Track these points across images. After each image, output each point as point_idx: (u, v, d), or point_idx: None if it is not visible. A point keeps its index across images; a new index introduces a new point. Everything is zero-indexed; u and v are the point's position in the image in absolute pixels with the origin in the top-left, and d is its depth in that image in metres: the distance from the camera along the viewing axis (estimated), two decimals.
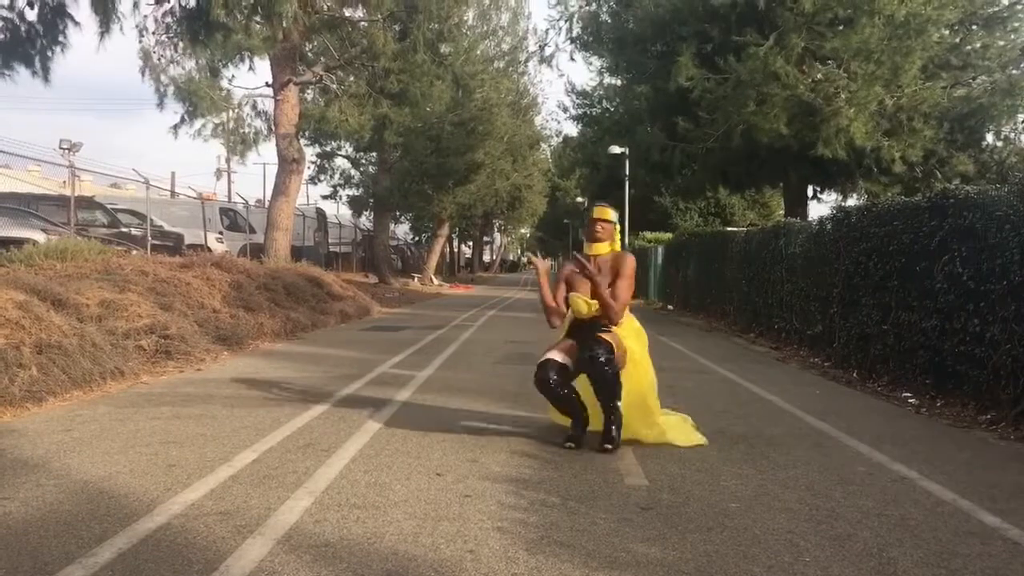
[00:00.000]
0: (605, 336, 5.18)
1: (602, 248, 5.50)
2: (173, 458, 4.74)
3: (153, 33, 16.63)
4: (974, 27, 17.76)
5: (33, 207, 16.88)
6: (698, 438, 5.48)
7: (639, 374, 5.39)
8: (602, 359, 5.04)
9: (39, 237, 13.46)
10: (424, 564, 3.18)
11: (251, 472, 4.47)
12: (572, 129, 41.64)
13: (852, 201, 19.89)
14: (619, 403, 5.17)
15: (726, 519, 3.82)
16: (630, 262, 5.44)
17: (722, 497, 4.16)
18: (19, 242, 12.39)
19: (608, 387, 5.11)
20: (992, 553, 3.44)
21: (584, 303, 5.28)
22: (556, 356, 5.23)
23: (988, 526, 3.80)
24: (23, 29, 11.97)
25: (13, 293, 7.38)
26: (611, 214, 5.56)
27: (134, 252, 14.67)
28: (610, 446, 5.07)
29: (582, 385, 5.32)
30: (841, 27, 15.94)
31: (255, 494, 4.05)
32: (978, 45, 17.43)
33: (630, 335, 5.42)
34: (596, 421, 5.31)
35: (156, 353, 8.63)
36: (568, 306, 5.48)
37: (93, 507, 3.80)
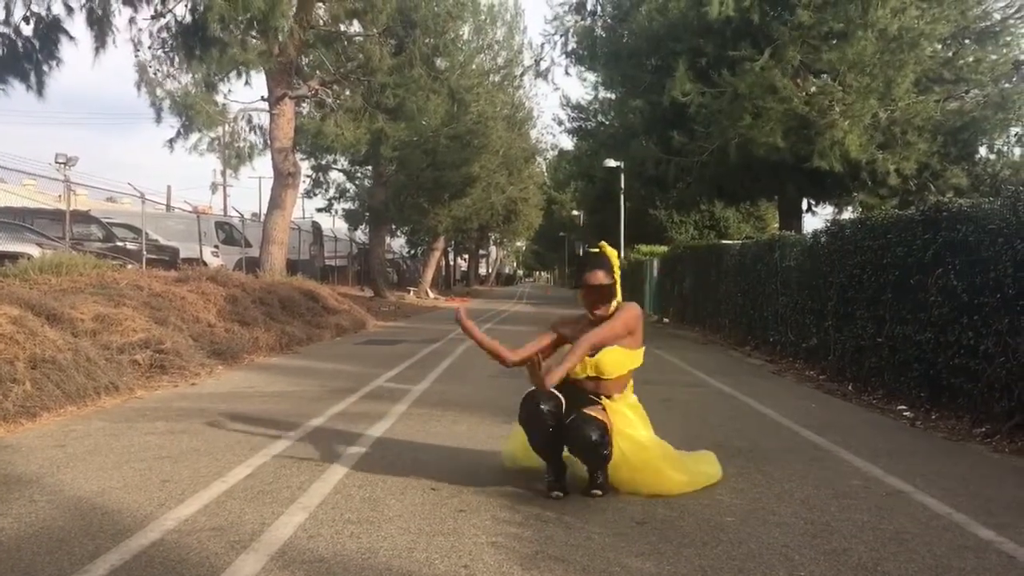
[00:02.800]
0: (594, 412, 4.36)
1: (610, 309, 4.57)
2: (167, 473, 4.73)
3: (149, 47, 16.71)
4: (967, 41, 17.87)
5: (28, 221, 16.89)
6: (714, 473, 4.81)
7: (649, 458, 4.53)
8: (594, 438, 4.24)
9: (34, 251, 13.44)
10: None
11: (245, 487, 4.46)
12: (567, 142, 41.77)
13: (847, 214, 19.97)
14: (607, 469, 4.44)
15: (721, 533, 3.82)
16: (625, 314, 4.57)
17: (717, 511, 4.16)
18: (14, 256, 12.38)
19: (600, 461, 4.38)
20: (987, 567, 3.44)
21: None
22: (554, 391, 4.41)
23: (983, 540, 3.80)
24: (19, 44, 12.01)
25: (7, 308, 7.37)
26: (603, 277, 4.51)
27: (129, 266, 14.67)
28: (599, 491, 4.38)
29: None
30: (836, 41, 16.04)
31: (249, 509, 4.03)
32: (971, 59, 17.52)
33: (632, 415, 4.59)
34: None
35: (151, 368, 8.61)
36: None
37: (86, 523, 3.79)
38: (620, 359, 4.51)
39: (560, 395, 4.40)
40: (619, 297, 4.61)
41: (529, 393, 4.41)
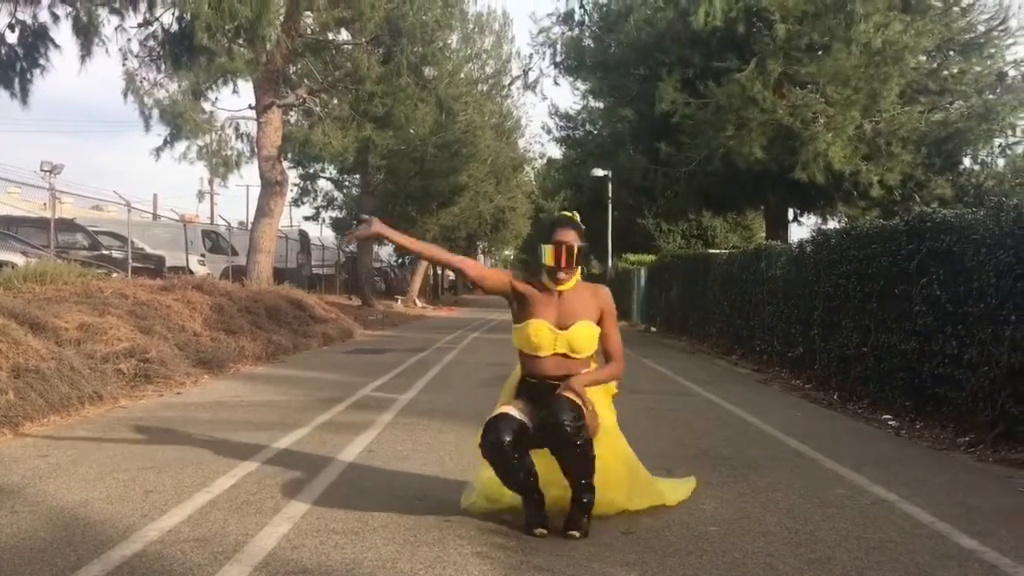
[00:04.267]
0: (569, 396, 3.87)
1: (570, 283, 4.10)
2: (150, 484, 4.70)
3: (136, 56, 16.67)
4: (951, 53, 18.04)
5: (12, 229, 16.79)
6: (685, 490, 4.62)
7: (616, 445, 4.21)
8: (568, 426, 3.74)
9: (18, 260, 13.36)
10: None
11: (229, 497, 4.43)
12: (556, 151, 41.87)
13: (832, 224, 20.06)
14: (593, 481, 3.94)
15: (705, 543, 3.82)
16: (609, 297, 4.23)
17: (702, 520, 4.17)
18: None
19: (579, 460, 3.87)
20: (969, 575, 3.46)
21: (549, 332, 4.01)
22: (512, 411, 3.96)
23: (965, 549, 3.82)
24: (2, 52, 11.96)
25: None
26: (573, 235, 4.07)
27: (115, 275, 14.60)
28: (576, 532, 3.85)
29: (540, 462, 3.99)
30: (819, 52, 16.16)
31: (233, 520, 4.01)
32: (955, 71, 17.70)
33: (603, 401, 4.15)
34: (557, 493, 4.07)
35: (135, 377, 8.56)
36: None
37: (68, 534, 3.76)
38: (591, 334, 4.05)
39: (521, 418, 3.93)
40: (579, 276, 4.17)
41: (487, 425, 3.89)
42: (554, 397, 3.87)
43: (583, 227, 4.18)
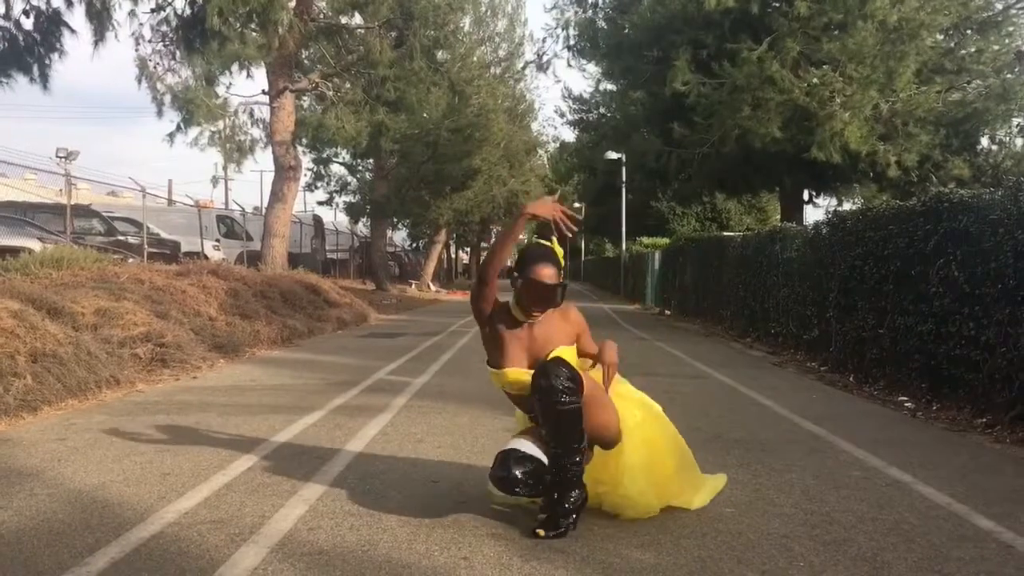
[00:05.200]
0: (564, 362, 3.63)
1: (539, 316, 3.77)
2: (167, 466, 4.74)
3: (149, 41, 16.75)
4: (968, 32, 17.83)
5: (29, 216, 16.89)
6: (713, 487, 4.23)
7: (664, 432, 4.02)
8: (560, 386, 3.50)
9: (35, 246, 13.45)
10: (418, 571, 3.17)
11: (245, 480, 4.46)
12: (569, 135, 41.71)
13: (848, 206, 19.94)
14: (578, 461, 3.67)
15: (720, 524, 3.82)
16: (579, 317, 3.93)
17: (717, 502, 4.15)
18: (15, 251, 12.38)
19: (563, 428, 3.58)
20: (985, 556, 3.44)
21: (525, 376, 3.69)
22: (526, 445, 3.65)
23: (982, 530, 3.80)
24: (20, 38, 12.00)
25: (8, 302, 7.38)
26: (553, 272, 3.73)
27: (130, 260, 14.67)
28: (543, 531, 3.57)
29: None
30: (836, 31, 16.00)
31: (249, 502, 4.04)
32: (972, 49, 17.50)
33: (628, 404, 3.95)
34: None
35: (152, 361, 8.62)
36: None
37: (86, 516, 3.79)
38: (573, 357, 3.78)
39: (535, 455, 3.63)
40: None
41: (499, 458, 3.63)
42: (552, 359, 3.62)
43: (561, 258, 3.83)
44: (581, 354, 3.88)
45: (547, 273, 3.70)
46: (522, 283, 3.71)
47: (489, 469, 3.68)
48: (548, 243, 3.86)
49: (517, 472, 3.53)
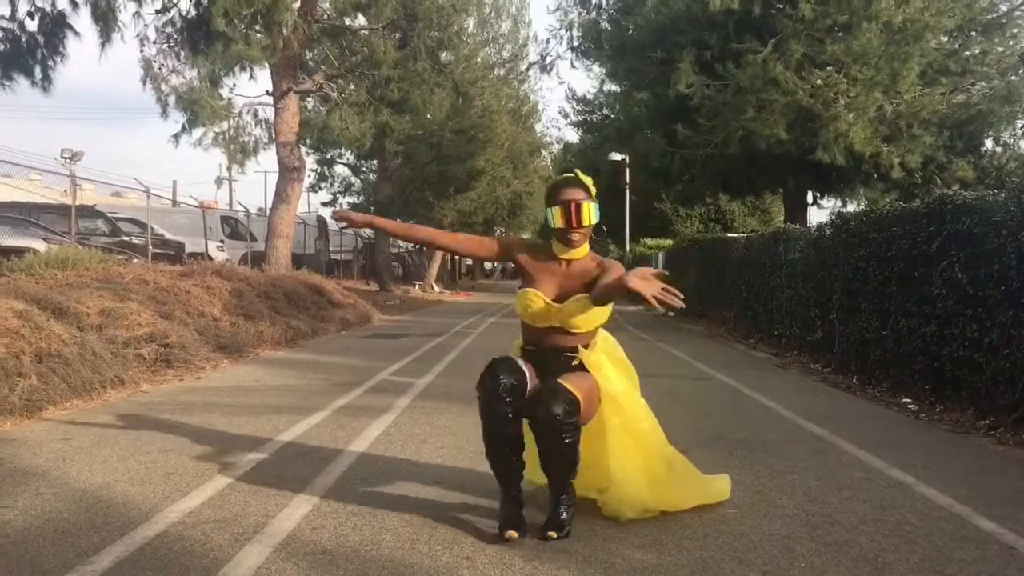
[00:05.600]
0: (571, 382, 3.56)
1: (579, 252, 3.84)
2: (172, 466, 4.75)
3: (154, 42, 16.80)
4: (973, 33, 17.83)
5: (34, 216, 16.92)
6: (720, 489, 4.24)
7: (636, 421, 3.87)
8: (559, 414, 3.44)
9: (40, 246, 13.49)
10: (421, 571, 3.19)
11: (249, 480, 4.48)
12: (573, 136, 41.75)
13: (851, 207, 19.93)
14: (573, 481, 3.71)
15: (722, 525, 3.83)
16: (618, 266, 3.77)
17: (719, 503, 4.16)
18: (20, 251, 12.42)
19: (563, 457, 3.58)
20: (987, 558, 3.45)
21: (544, 304, 3.74)
22: (518, 362, 3.73)
23: (984, 531, 3.81)
24: (23, 39, 12.03)
25: (13, 302, 7.41)
26: (582, 194, 3.78)
27: (135, 261, 14.71)
28: (554, 533, 3.57)
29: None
30: (840, 33, 16.01)
31: (253, 501, 4.06)
32: (977, 51, 17.50)
33: (614, 369, 3.86)
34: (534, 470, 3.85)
35: (156, 362, 8.65)
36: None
37: (91, 515, 3.81)
38: (592, 312, 3.72)
39: (524, 371, 3.68)
40: (587, 249, 3.88)
41: (490, 365, 3.66)
42: (549, 384, 3.57)
43: (590, 184, 3.84)
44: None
45: (576, 194, 3.75)
46: (556, 209, 3.73)
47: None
48: (573, 173, 3.89)
49: (505, 380, 3.55)
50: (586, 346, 3.80)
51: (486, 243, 4.08)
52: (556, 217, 3.74)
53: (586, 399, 3.59)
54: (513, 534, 3.52)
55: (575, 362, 3.76)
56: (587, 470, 3.76)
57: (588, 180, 3.86)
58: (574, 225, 3.71)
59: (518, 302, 3.85)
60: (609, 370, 3.80)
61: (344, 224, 3.97)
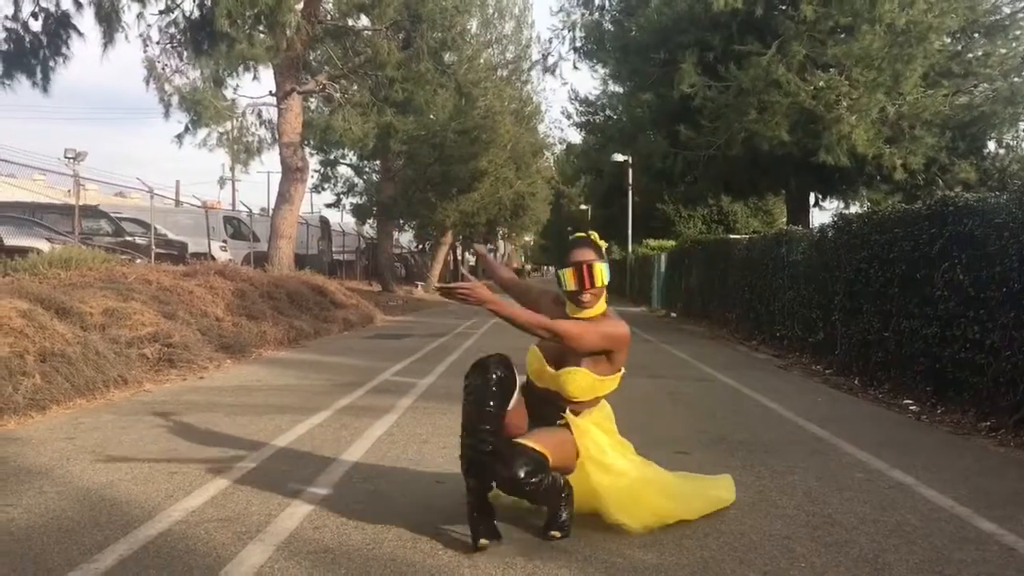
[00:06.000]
0: (535, 438, 3.52)
1: (594, 311, 3.77)
2: (174, 465, 4.77)
3: (157, 43, 16.82)
4: (976, 35, 17.81)
5: (38, 216, 16.97)
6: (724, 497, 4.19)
7: (627, 478, 3.76)
8: (521, 476, 3.38)
9: (43, 246, 13.52)
10: (423, 569, 3.20)
11: (252, 479, 4.50)
12: (576, 136, 41.79)
13: (854, 209, 19.91)
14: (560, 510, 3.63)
15: (722, 525, 3.84)
16: (623, 339, 3.75)
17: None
18: (24, 251, 12.45)
19: (539, 502, 3.61)
20: (987, 559, 3.46)
21: (542, 367, 3.76)
22: (508, 358, 3.62)
23: (984, 532, 3.82)
24: (26, 39, 12.05)
25: (17, 302, 7.43)
26: (592, 254, 3.74)
27: (138, 261, 14.73)
28: (557, 533, 3.59)
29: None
30: (842, 35, 16.00)
31: (256, 500, 4.08)
32: (980, 53, 17.47)
33: (605, 437, 3.80)
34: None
35: (159, 361, 8.67)
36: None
37: (95, 514, 3.83)
38: (588, 386, 3.69)
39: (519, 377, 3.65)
40: (604, 307, 3.83)
41: (478, 360, 3.65)
42: (515, 447, 3.47)
43: (602, 245, 3.85)
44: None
45: (586, 255, 3.71)
46: (567, 271, 3.71)
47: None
48: (583, 234, 3.89)
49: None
50: (577, 413, 3.73)
51: (549, 308, 3.87)
52: (568, 279, 3.71)
53: (556, 451, 3.54)
54: (485, 543, 3.45)
55: (560, 422, 3.70)
56: (581, 498, 3.73)
57: (598, 239, 3.86)
58: (586, 287, 3.69)
59: (528, 356, 3.85)
60: (597, 436, 3.73)
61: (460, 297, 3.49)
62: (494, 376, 3.51)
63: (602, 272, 3.70)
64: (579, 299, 3.72)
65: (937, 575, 3.27)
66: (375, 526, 3.71)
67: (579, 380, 3.67)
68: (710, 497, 4.11)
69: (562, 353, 3.68)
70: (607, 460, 3.70)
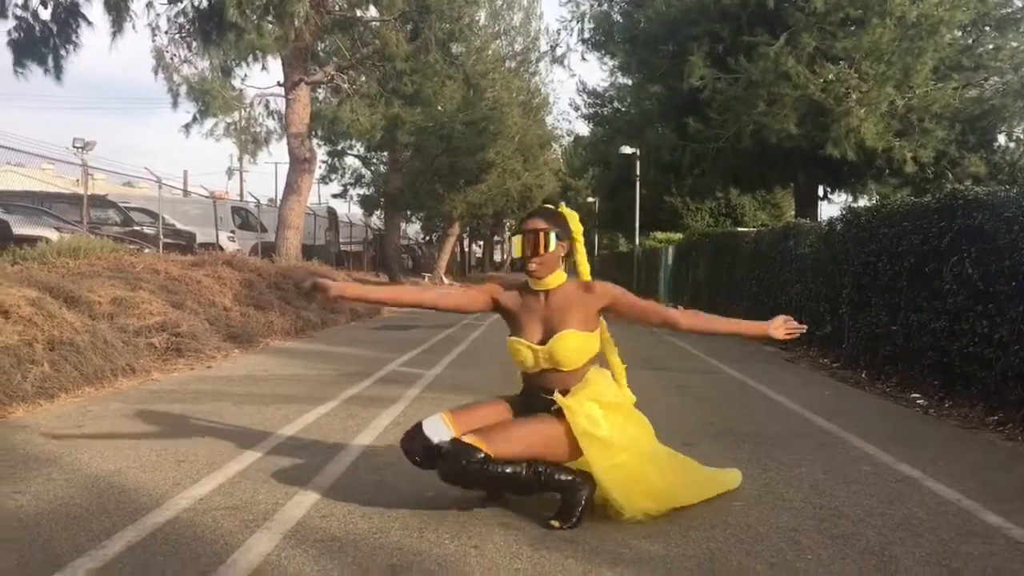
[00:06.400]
0: (473, 439, 3.53)
1: (552, 280, 3.78)
2: (182, 454, 4.79)
3: (166, 32, 16.86)
4: (986, 28, 17.73)
5: (47, 205, 17.03)
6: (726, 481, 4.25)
7: (629, 454, 3.73)
8: (440, 474, 3.58)
9: (52, 235, 13.57)
10: (428, 559, 3.21)
11: (259, 468, 4.51)
12: (583, 129, 41.70)
13: (862, 202, 19.85)
14: (541, 477, 3.63)
15: (729, 517, 3.84)
16: (609, 288, 3.85)
17: (726, 495, 4.17)
18: (33, 240, 12.50)
19: (507, 488, 3.73)
20: (994, 552, 3.45)
21: (528, 350, 3.76)
22: (434, 428, 3.69)
23: (991, 526, 3.81)
24: (36, 28, 12.08)
25: (26, 290, 7.46)
26: (550, 240, 3.70)
27: (146, 250, 14.77)
28: (558, 523, 3.60)
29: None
30: (852, 27, 15.94)
31: (263, 489, 4.09)
32: (990, 46, 17.40)
33: (602, 411, 3.71)
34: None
35: (167, 350, 8.70)
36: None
37: (103, 501, 3.85)
38: (578, 345, 3.72)
39: (447, 428, 3.67)
40: (587, 275, 3.94)
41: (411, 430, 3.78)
42: (445, 447, 3.57)
43: (569, 218, 3.86)
44: (630, 313, 3.85)
45: (537, 223, 3.74)
46: (519, 237, 3.76)
47: None
48: (552, 206, 3.93)
49: (415, 455, 3.70)
50: (565, 392, 3.74)
51: (478, 297, 3.94)
52: (517, 247, 3.76)
53: (530, 444, 3.60)
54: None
55: (553, 407, 3.72)
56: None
57: (566, 211, 3.88)
58: (528, 254, 3.71)
59: (510, 350, 3.87)
60: (591, 409, 3.69)
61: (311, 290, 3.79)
62: (416, 460, 3.73)
63: (550, 240, 3.69)
64: (526, 268, 3.76)
65: (944, 568, 3.26)
66: (382, 515, 3.72)
67: (569, 342, 3.70)
68: (712, 481, 4.12)
69: (553, 324, 3.73)
70: (600, 433, 3.66)
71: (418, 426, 3.72)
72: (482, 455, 3.49)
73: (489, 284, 4.01)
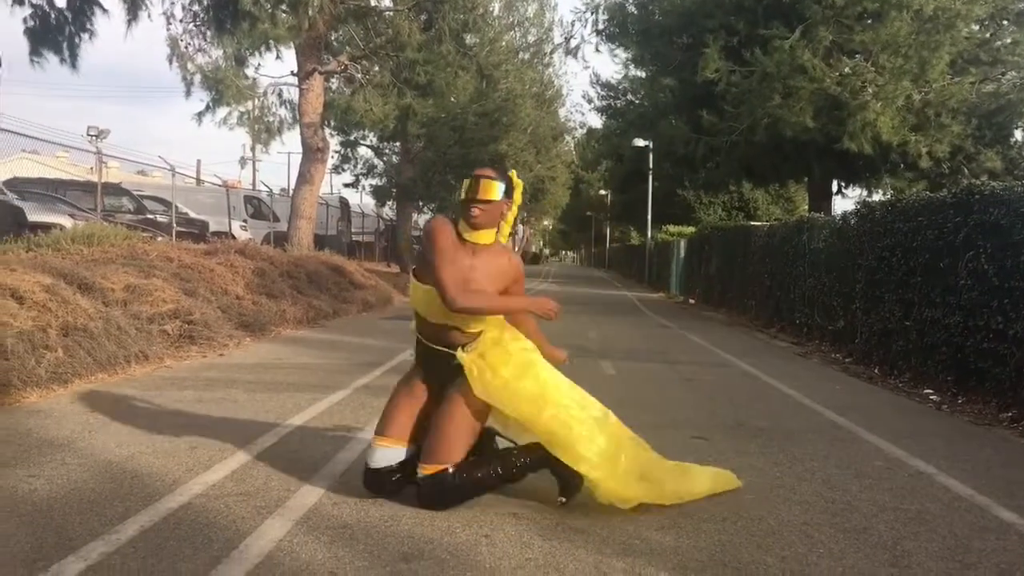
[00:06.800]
0: (425, 467, 3.64)
1: (484, 236, 3.75)
2: (195, 440, 4.81)
3: (181, 21, 16.83)
4: (1004, 23, 17.58)
5: (61, 192, 17.08)
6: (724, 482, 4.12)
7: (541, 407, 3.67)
8: (445, 487, 3.64)
9: (66, 222, 13.61)
10: (440, 547, 3.22)
11: (271, 455, 4.53)
12: (596, 121, 41.57)
13: (877, 196, 19.75)
14: (515, 464, 3.79)
15: (741, 510, 3.84)
16: (520, 266, 3.96)
17: (738, 489, 4.16)
18: (47, 227, 12.54)
19: (487, 488, 3.77)
20: (1007, 547, 3.44)
21: (422, 294, 3.74)
22: (387, 446, 3.78)
23: (1004, 521, 3.79)
24: (52, 16, 12.10)
25: (40, 276, 7.49)
26: (495, 189, 3.66)
27: (159, 238, 14.82)
28: (565, 499, 3.75)
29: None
30: (869, 21, 15.83)
31: (275, 476, 4.10)
32: (1008, 41, 17.25)
33: (500, 359, 3.72)
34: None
35: (180, 338, 8.72)
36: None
37: (116, 486, 3.87)
38: (420, 297, 3.77)
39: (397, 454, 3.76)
40: (505, 238, 3.91)
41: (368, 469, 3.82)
42: (419, 490, 3.66)
43: (518, 184, 3.83)
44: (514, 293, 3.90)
45: (487, 172, 3.74)
46: (463, 183, 3.76)
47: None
48: (508, 172, 3.85)
49: (380, 483, 3.77)
50: (463, 346, 3.75)
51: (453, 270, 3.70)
52: (464, 188, 3.74)
53: (468, 429, 3.71)
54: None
55: (454, 363, 3.71)
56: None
57: (515, 178, 3.83)
58: (474, 196, 3.66)
59: (412, 292, 3.84)
60: (493, 359, 3.69)
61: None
62: (390, 492, 3.78)
63: (494, 189, 3.66)
64: (467, 210, 3.69)
65: (956, 563, 3.25)
66: (393, 503, 3.73)
67: (417, 295, 3.77)
68: (687, 473, 3.99)
69: (480, 279, 3.72)
70: (509, 387, 3.66)
71: (367, 469, 3.79)
72: (449, 472, 3.61)
73: (444, 238, 3.66)
